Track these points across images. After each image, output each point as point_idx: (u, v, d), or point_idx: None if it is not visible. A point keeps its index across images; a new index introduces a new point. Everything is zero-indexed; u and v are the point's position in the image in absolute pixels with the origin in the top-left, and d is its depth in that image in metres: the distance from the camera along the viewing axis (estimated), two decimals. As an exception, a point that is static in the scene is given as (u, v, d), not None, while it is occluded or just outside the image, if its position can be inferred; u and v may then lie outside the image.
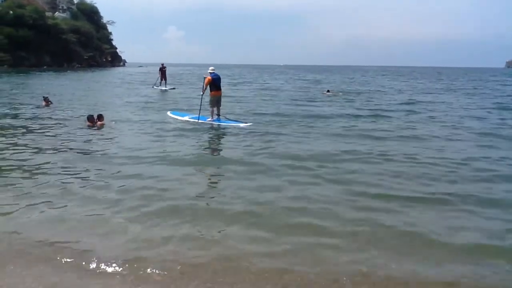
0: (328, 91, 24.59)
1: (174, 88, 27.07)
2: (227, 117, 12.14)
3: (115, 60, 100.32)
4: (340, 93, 24.64)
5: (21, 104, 16.59)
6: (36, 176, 6.51)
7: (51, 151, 8.29)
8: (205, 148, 9.45)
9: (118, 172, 6.83)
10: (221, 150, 9.36)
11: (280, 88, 29.84)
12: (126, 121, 12.43)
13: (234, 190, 5.97)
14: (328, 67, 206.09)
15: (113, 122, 11.68)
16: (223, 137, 10.40)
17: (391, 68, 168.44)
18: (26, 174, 6.62)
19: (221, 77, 12.35)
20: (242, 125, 11.23)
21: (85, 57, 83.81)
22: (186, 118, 12.44)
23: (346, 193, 5.94)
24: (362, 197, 5.76)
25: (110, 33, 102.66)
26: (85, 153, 8.23)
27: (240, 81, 40.69)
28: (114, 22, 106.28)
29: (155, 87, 27.20)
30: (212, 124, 11.72)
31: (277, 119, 13.04)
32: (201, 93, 12.17)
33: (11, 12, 71.02)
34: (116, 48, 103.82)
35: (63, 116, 13.16)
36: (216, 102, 11.79)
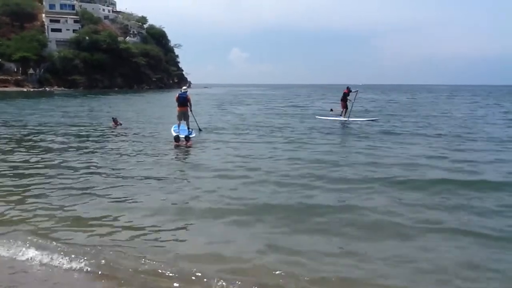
0: (331, 110, 23.52)
1: (374, 120, 20.30)
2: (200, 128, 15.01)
3: (182, 81, 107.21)
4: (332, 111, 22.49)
5: (93, 124, 18.29)
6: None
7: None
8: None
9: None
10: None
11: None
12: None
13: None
14: (405, 86, 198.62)
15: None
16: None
17: (479, 87, 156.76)
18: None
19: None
20: (193, 134, 13.69)
21: (153, 79, 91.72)
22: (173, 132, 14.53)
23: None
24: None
25: (177, 56, 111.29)
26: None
27: (286, 104, 35.87)
28: (181, 45, 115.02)
29: (319, 117, 21.64)
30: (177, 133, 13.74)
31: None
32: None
33: (87, 37, 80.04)
34: (182, 70, 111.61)
35: (131, 136, 14.44)
36: (180, 116, 13.96)
